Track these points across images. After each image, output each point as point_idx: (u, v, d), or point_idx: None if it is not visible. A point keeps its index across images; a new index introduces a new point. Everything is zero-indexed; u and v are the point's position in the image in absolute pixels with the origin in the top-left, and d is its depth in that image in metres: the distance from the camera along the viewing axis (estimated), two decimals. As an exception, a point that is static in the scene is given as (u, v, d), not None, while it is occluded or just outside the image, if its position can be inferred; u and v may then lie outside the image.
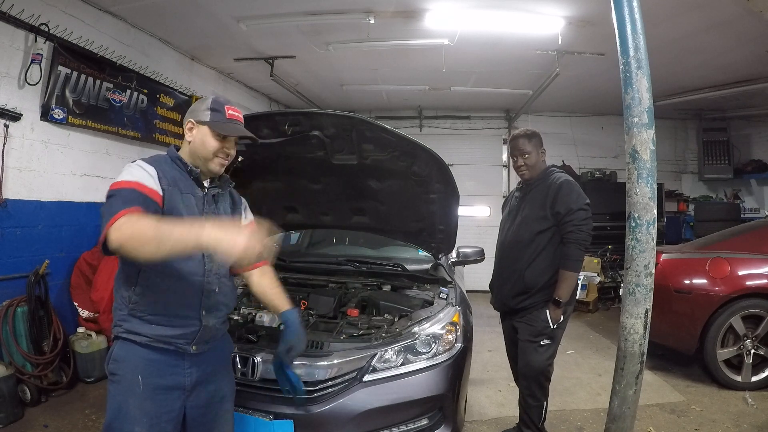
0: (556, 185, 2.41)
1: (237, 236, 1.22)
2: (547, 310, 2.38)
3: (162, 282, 1.49)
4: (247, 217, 1.83)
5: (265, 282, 1.77)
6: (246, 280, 1.78)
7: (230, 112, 1.64)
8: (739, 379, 3.54)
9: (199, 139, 1.60)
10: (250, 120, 2.30)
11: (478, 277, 6.64)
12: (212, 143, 1.59)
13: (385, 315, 2.36)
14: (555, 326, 2.39)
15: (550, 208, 2.38)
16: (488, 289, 2.79)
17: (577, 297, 2.58)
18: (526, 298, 2.45)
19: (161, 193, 1.46)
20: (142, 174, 1.46)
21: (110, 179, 1.58)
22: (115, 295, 1.52)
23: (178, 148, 1.67)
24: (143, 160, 1.54)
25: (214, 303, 1.59)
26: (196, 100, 1.71)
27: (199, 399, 1.59)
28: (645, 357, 1.80)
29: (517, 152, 2.55)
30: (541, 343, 2.40)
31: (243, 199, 1.83)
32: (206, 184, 1.65)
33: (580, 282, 2.48)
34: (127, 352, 1.49)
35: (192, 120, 1.61)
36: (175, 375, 1.52)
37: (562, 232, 2.36)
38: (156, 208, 1.43)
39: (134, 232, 1.25)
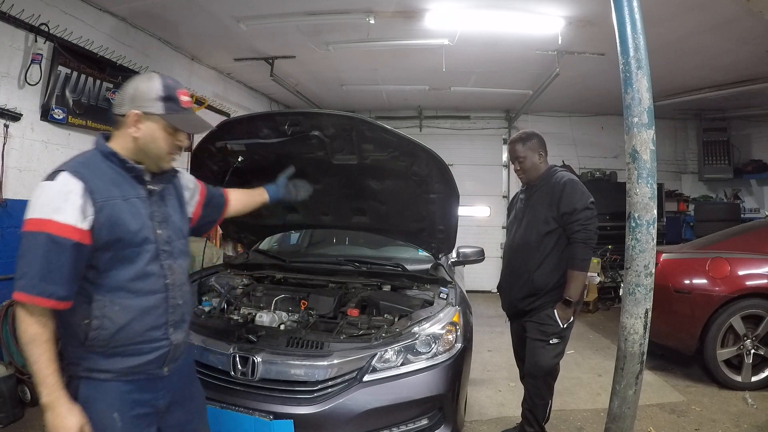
0: (560, 185, 2.40)
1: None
2: (556, 310, 2.38)
3: (122, 309, 1.30)
4: (192, 203, 1.64)
5: (238, 196, 1.86)
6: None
7: (184, 98, 1.39)
8: (739, 379, 3.54)
9: (149, 135, 1.34)
10: (250, 120, 2.31)
11: (478, 277, 6.67)
12: (167, 140, 1.37)
13: (385, 315, 2.36)
14: (564, 326, 2.38)
15: (556, 209, 2.37)
16: (490, 290, 2.79)
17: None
18: (535, 300, 2.44)
19: (84, 226, 1.24)
20: (60, 201, 1.22)
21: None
22: (61, 325, 1.30)
23: (107, 137, 1.39)
24: (69, 167, 1.27)
25: (180, 316, 1.44)
26: (133, 77, 1.45)
27: (175, 418, 1.47)
28: (645, 357, 1.80)
29: (512, 157, 2.57)
30: (551, 342, 2.39)
31: (186, 181, 1.61)
32: (147, 178, 1.40)
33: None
34: (95, 392, 1.30)
35: (138, 111, 1.33)
36: (149, 402, 1.38)
37: (569, 232, 2.34)
38: (71, 252, 1.22)
39: (20, 333, 1.26)
